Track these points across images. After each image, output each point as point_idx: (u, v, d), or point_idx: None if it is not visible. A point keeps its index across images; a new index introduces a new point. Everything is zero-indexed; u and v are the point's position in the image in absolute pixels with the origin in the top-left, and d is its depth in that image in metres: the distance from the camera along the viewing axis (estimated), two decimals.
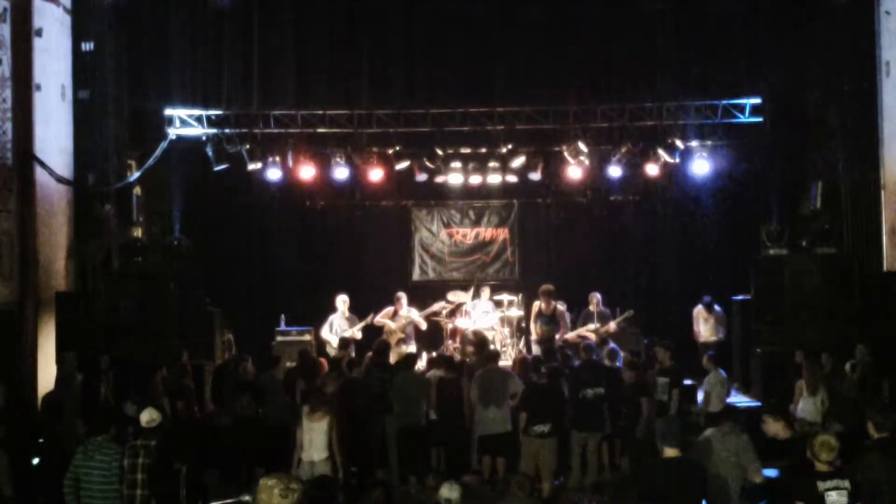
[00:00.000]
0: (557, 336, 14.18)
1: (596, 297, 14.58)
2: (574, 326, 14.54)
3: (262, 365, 12.60)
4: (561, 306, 14.52)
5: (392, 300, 14.67)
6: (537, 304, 14.49)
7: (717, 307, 14.58)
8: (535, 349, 14.05)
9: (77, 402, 10.82)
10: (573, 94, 14.87)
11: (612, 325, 14.24)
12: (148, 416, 7.82)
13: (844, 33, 13.73)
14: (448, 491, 6.64)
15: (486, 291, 15.25)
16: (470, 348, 13.24)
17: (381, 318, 14.40)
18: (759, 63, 14.53)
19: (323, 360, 13.14)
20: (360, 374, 11.60)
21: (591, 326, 14.33)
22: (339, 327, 14.23)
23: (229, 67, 14.66)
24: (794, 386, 11.36)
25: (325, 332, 14.33)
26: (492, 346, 13.48)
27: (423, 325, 14.71)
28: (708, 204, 15.88)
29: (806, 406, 10.94)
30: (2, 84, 11.91)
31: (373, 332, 14.33)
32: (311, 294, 15.99)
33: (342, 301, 14.43)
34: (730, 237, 15.63)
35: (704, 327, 14.57)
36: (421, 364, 13.22)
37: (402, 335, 14.23)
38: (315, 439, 9.20)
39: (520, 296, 15.11)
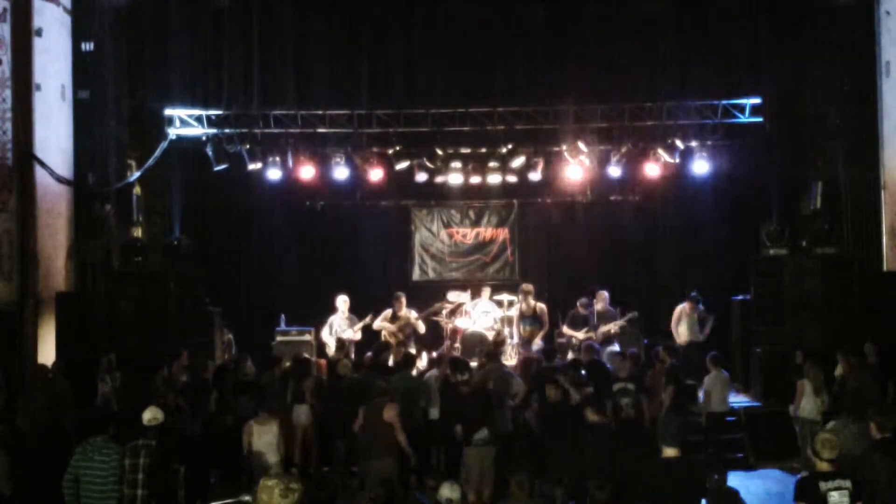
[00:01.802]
0: (540, 335, 14.19)
1: (603, 294, 14.43)
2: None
3: (263, 365, 12.59)
4: (584, 307, 14.43)
5: (392, 301, 14.66)
6: (518, 306, 14.50)
7: (700, 306, 14.30)
8: (522, 351, 14.03)
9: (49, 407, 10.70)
10: (573, 94, 14.86)
11: (613, 327, 14.20)
12: (150, 415, 7.81)
13: (844, 33, 13.74)
14: (449, 491, 6.63)
15: (486, 291, 15.26)
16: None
17: (380, 322, 14.29)
18: (759, 63, 14.52)
19: (322, 361, 13.14)
20: (361, 374, 11.60)
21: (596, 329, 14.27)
22: (339, 328, 14.21)
23: (229, 67, 14.65)
24: (794, 386, 11.36)
25: (325, 333, 14.31)
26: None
27: (422, 329, 14.63)
28: (708, 204, 15.88)
29: (807, 405, 10.95)
30: (2, 84, 11.90)
31: (372, 332, 14.33)
32: (311, 294, 16.01)
33: (342, 301, 14.40)
34: (730, 237, 15.63)
35: (684, 326, 14.18)
36: (421, 364, 13.23)
37: (402, 337, 14.17)
38: (265, 444, 9.37)
39: (520, 296, 15.10)
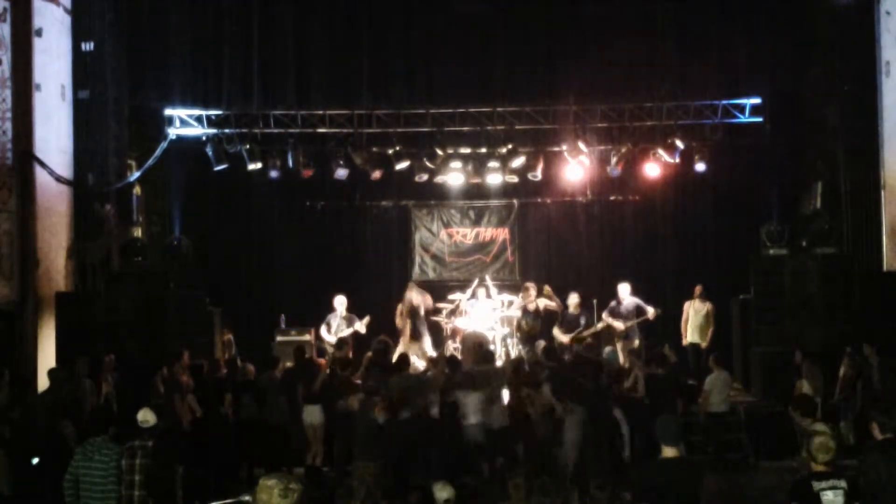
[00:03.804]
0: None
1: (620, 289, 14.30)
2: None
3: (262, 365, 12.60)
4: (576, 307, 14.37)
5: (393, 300, 14.63)
6: (521, 304, 14.49)
7: (707, 302, 14.25)
8: (522, 350, 14.01)
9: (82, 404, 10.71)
10: (573, 94, 14.87)
11: (621, 325, 14.15)
12: (141, 417, 7.81)
13: (844, 33, 13.74)
14: (443, 492, 6.61)
15: (481, 290, 15.25)
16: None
17: (398, 319, 14.37)
18: (759, 63, 14.53)
19: (322, 361, 13.14)
20: (361, 374, 11.60)
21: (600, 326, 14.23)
22: (337, 328, 14.21)
23: (229, 67, 14.67)
24: (794, 386, 11.36)
25: (324, 332, 14.31)
26: (491, 346, 13.49)
27: (429, 303, 14.55)
28: (708, 204, 15.88)
29: None
30: (2, 84, 11.91)
31: (373, 332, 14.31)
32: (311, 294, 15.97)
33: (340, 302, 14.37)
34: (730, 237, 15.63)
35: (688, 326, 14.26)
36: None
37: (406, 315, 14.16)
38: None
39: (520, 296, 15.08)
